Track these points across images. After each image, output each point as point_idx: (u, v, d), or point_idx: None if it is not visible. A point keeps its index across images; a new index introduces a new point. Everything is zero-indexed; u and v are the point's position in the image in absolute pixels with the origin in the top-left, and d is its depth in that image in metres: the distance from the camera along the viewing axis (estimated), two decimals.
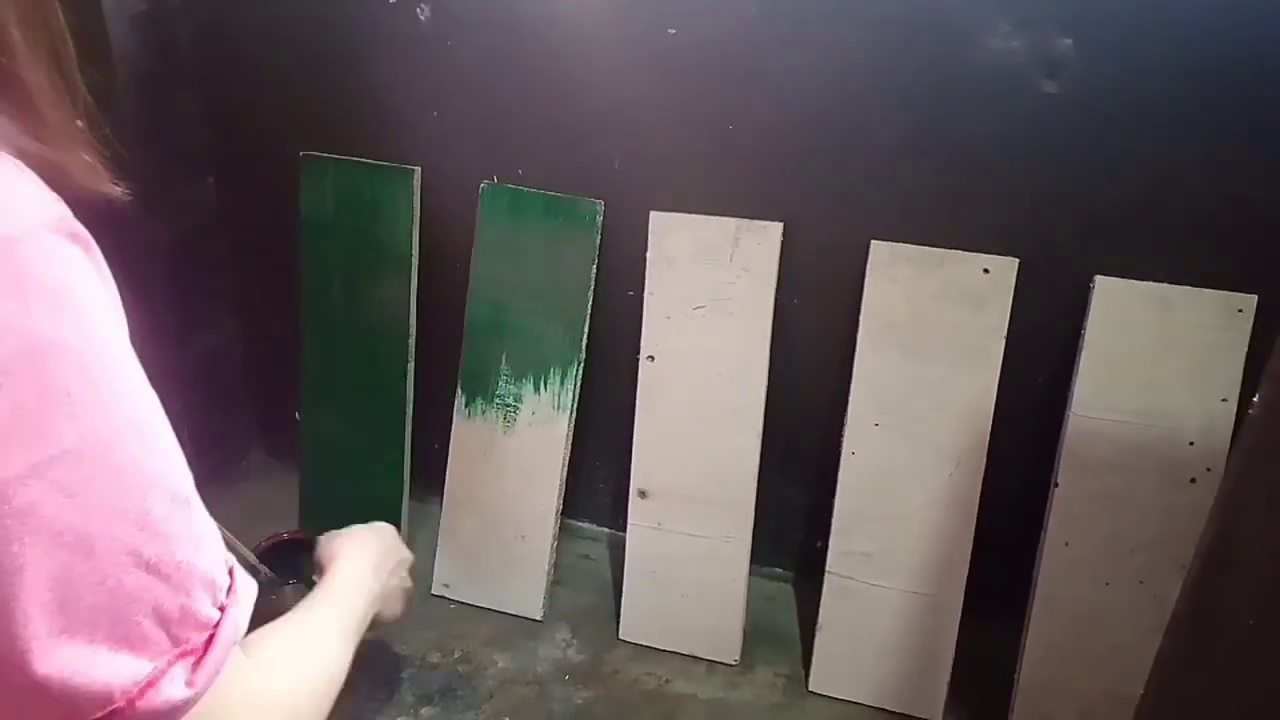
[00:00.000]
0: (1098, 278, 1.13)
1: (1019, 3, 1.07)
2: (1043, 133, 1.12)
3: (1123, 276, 1.12)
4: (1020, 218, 1.16)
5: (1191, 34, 1.04)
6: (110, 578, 0.38)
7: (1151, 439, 1.11)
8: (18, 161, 0.39)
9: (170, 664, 0.40)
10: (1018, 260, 1.14)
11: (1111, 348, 1.12)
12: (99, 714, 0.38)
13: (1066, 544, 1.15)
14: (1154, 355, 1.11)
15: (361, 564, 0.88)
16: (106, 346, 0.39)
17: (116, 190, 0.47)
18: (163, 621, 0.40)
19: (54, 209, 0.39)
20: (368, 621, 0.81)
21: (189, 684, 0.41)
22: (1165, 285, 1.11)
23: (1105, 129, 1.10)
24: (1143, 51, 1.06)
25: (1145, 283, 1.11)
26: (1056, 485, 1.15)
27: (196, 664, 0.42)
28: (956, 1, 1.09)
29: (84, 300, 0.38)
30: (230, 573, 0.45)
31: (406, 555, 1.02)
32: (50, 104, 0.43)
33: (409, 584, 1.02)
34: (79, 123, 0.45)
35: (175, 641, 0.41)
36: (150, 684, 0.39)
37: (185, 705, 0.41)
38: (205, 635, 0.42)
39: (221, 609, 0.43)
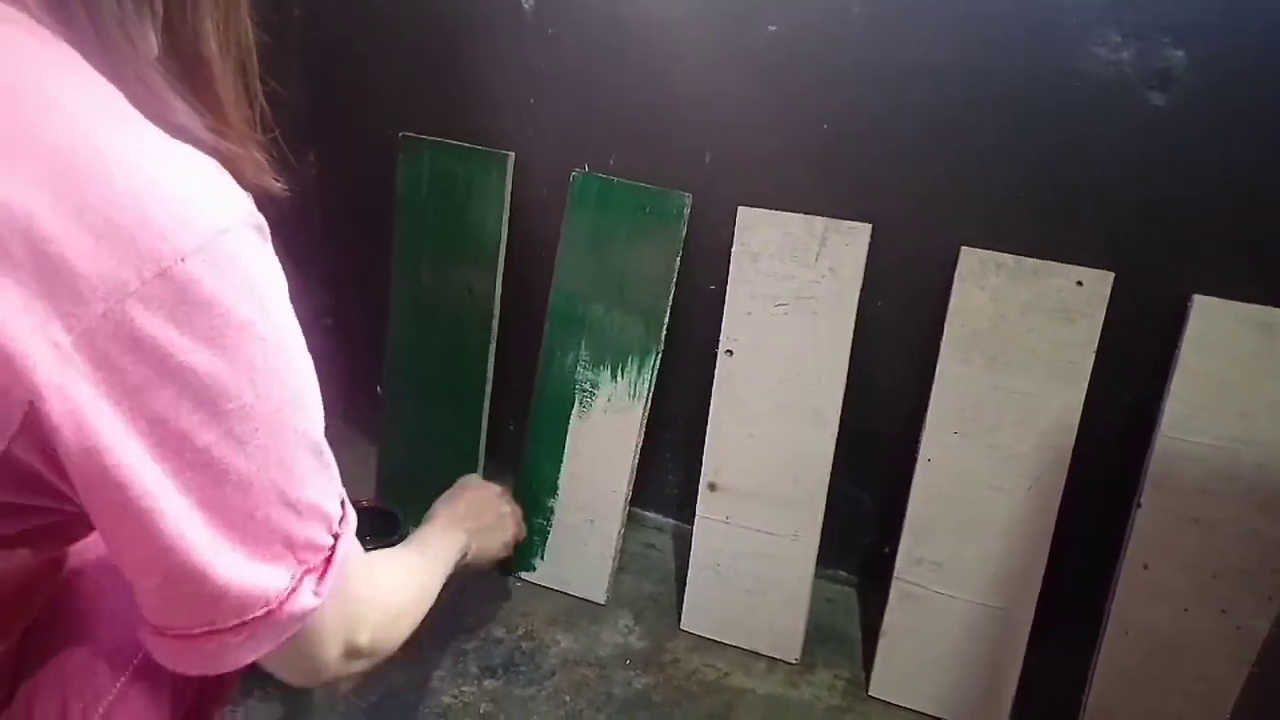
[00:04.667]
0: (1196, 297, 1.10)
1: (1132, 13, 1.05)
2: (1147, 146, 1.09)
3: (1222, 297, 1.09)
4: (1118, 231, 1.14)
5: None
6: (260, 510, 0.46)
7: (1244, 465, 1.08)
8: (212, 159, 0.46)
9: (302, 577, 0.49)
10: (1113, 274, 1.11)
11: (1207, 369, 1.10)
12: (258, 613, 0.47)
13: (1146, 567, 1.12)
14: (1251, 379, 1.08)
15: (445, 519, 1.04)
16: (285, 328, 0.48)
17: (278, 186, 0.55)
18: (291, 546, 0.49)
19: (247, 203, 0.46)
20: (454, 562, 0.94)
21: (316, 594, 0.50)
22: (1267, 308, 1.07)
23: (1212, 145, 1.07)
24: (1259, 68, 1.03)
25: (1245, 304, 1.08)
26: (1139, 506, 1.12)
27: (320, 579, 0.51)
28: (1066, 10, 1.07)
29: (269, 287, 0.46)
30: (342, 504, 0.53)
31: (490, 492, 1.16)
32: (234, 106, 0.52)
33: (505, 510, 1.17)
34: (256, 124, 0.54)
35: (299, 561, 0.49)
36: (292, 591, 0.49)
37: (314, 611, 0.50)
38: (323, 557, 0.51)
39: (335, 536, 0.52)
